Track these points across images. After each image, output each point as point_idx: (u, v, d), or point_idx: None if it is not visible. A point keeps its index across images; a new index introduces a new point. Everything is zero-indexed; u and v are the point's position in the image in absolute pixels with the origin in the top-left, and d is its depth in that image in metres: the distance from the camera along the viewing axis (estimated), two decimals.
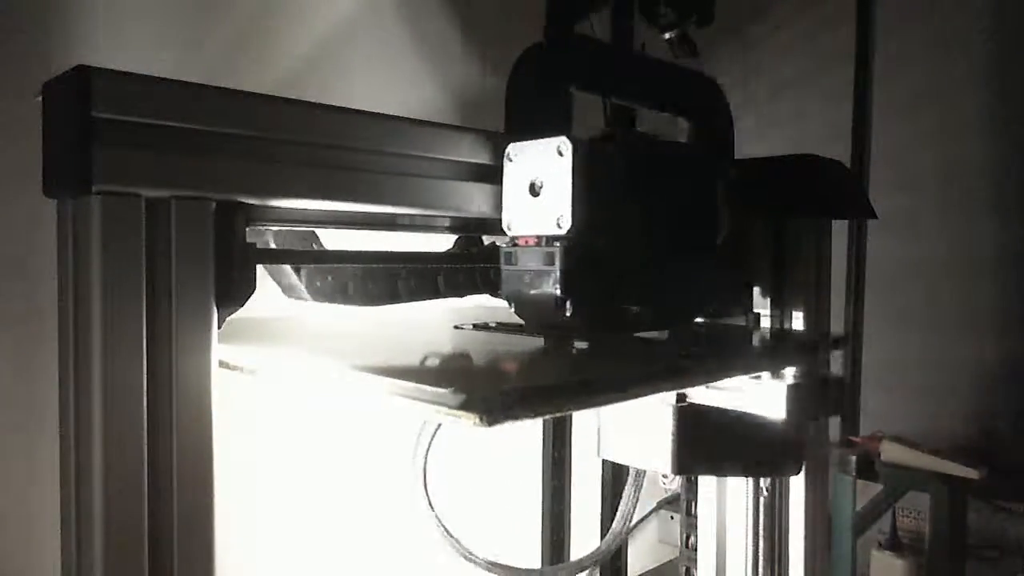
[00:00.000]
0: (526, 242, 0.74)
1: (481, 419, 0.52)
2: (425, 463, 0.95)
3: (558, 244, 0.71)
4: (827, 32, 1.95)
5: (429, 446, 0.94)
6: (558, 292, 0.71)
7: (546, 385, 0.61)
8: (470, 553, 0.99)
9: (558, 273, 0.71)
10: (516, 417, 0.55)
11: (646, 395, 0.77)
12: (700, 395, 0.90)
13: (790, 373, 0.89)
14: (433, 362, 0.73)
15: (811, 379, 0.91)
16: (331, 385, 0.67)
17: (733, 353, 0.88)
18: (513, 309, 0.78)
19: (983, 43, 1.81)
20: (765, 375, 0.89)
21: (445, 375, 0.67)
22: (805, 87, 2.03)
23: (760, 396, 0.89)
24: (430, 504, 0.96)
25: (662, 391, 0.81)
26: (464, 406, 0.52)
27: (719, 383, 0.90)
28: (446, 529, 0.97)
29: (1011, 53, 1.80)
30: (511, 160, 0.75)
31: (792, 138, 1.94)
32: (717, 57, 2.01)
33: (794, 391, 0.88)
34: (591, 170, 0.71)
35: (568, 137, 0.70)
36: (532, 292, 0.73)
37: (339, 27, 1.35)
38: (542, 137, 0.74)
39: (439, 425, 0.94)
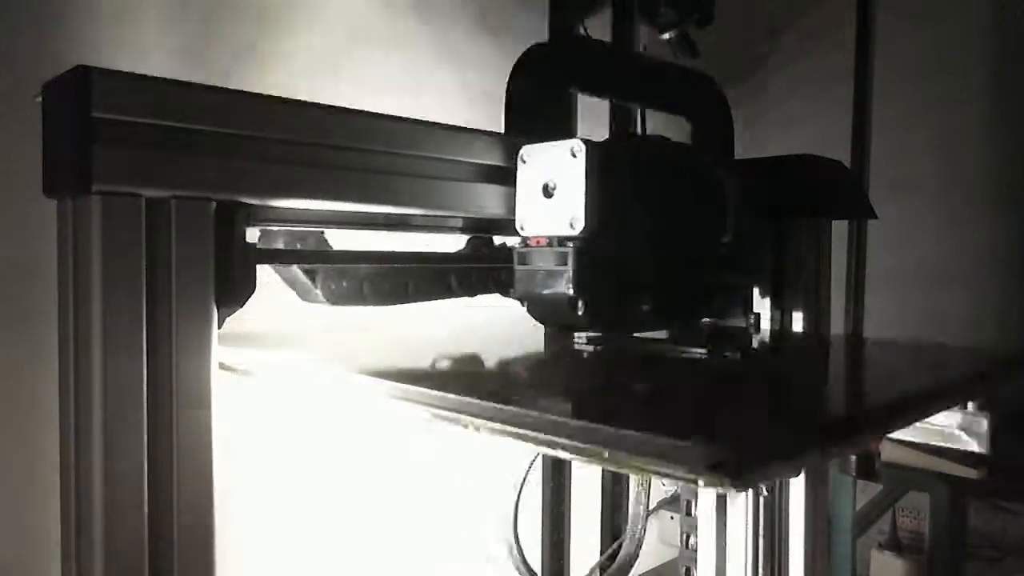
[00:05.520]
0: (539, 242, 0.75)
1: (733, 484, 0.35)
2: (519, 497, 0.94)
3: (571, 244, 0.73)
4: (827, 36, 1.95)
5: (524, 479, 0.94)
6: (571, 292, 0.72)
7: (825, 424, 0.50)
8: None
9: (571, 273, 0.72)
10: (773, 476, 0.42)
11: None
12: None
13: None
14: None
15: None
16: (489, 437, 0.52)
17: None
18: (526, 308, 0.79)
19: (983, 49, 1.82)
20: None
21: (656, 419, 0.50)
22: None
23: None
24: (517, 540, 0.95)
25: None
26: (717, 467, 0.35)
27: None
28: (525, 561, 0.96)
29: (1011, 59, 1.80)
30: (524, 162, 0.76)
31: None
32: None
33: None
34: (604, 172, 0.72)
35: (582, 139, 0.71)
36: (545, 292, 0.75)
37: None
38: (543, 137, 0.75)
39: (532, 464, 0.93)
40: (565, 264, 0.73)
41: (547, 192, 0.74)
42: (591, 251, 0.73)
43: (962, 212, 1.86)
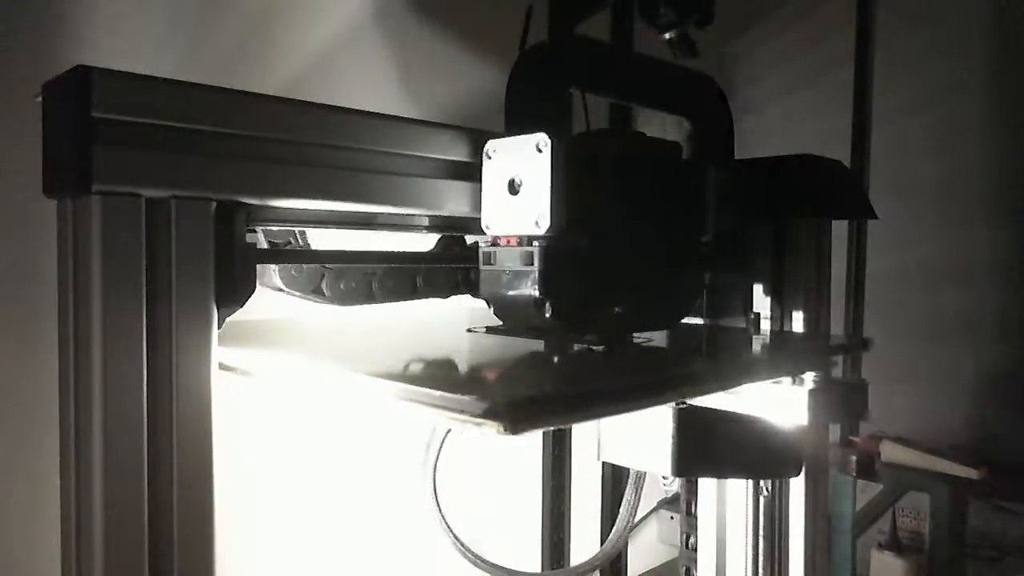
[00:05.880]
0: (507, 242, 0.72)
1: (505, 428, 0.50)
2: (435, 469, 0.94)
3: (537, 244, 0.69)
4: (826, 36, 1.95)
5: (439, 452, 0.94)
6: (536, 293, 0.69)
7: (573, 393, 0.59)
8: (478, 558, 0.99)
9: (537, 273, 0.69)
10: (541, 425, 0.54)
11: (670, 401, 0.76)
12: (713, 399, 0.87)
13: (810, 378, 0.87)
14: (451, 367, 0.72)
15: (832, 383, 0.88)
16: (345, 390, 0.66)
17: (750, 358, 0.86)
18: (492, 310, 0.77)
19: (983, 49, 1.82)
20: (785, 380, 0.87)
21: (464, 381, 0.66)
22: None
23: (779, 401, 0.87)
24: (439, 510, 0.95)
25: (685, 396, 0.79)
26: (487, 414, 0.51)
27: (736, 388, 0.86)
28: (454, 534, 0.97)
29: (1011, 59, 1.80)
30: (490, 157, 0.73)
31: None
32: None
33: (815, 396, 0.86)
34: (571, 168, 0.68)
35: (547, 133, 0.68)
36: (511, 293, 0.71)
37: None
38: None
39: (448, 431, 0.93)
40: (531, 264, 0.69)
41: (513, 189, 0.70)
42: (558, 251, 0.69)
43: (962, 212, 1.87)
